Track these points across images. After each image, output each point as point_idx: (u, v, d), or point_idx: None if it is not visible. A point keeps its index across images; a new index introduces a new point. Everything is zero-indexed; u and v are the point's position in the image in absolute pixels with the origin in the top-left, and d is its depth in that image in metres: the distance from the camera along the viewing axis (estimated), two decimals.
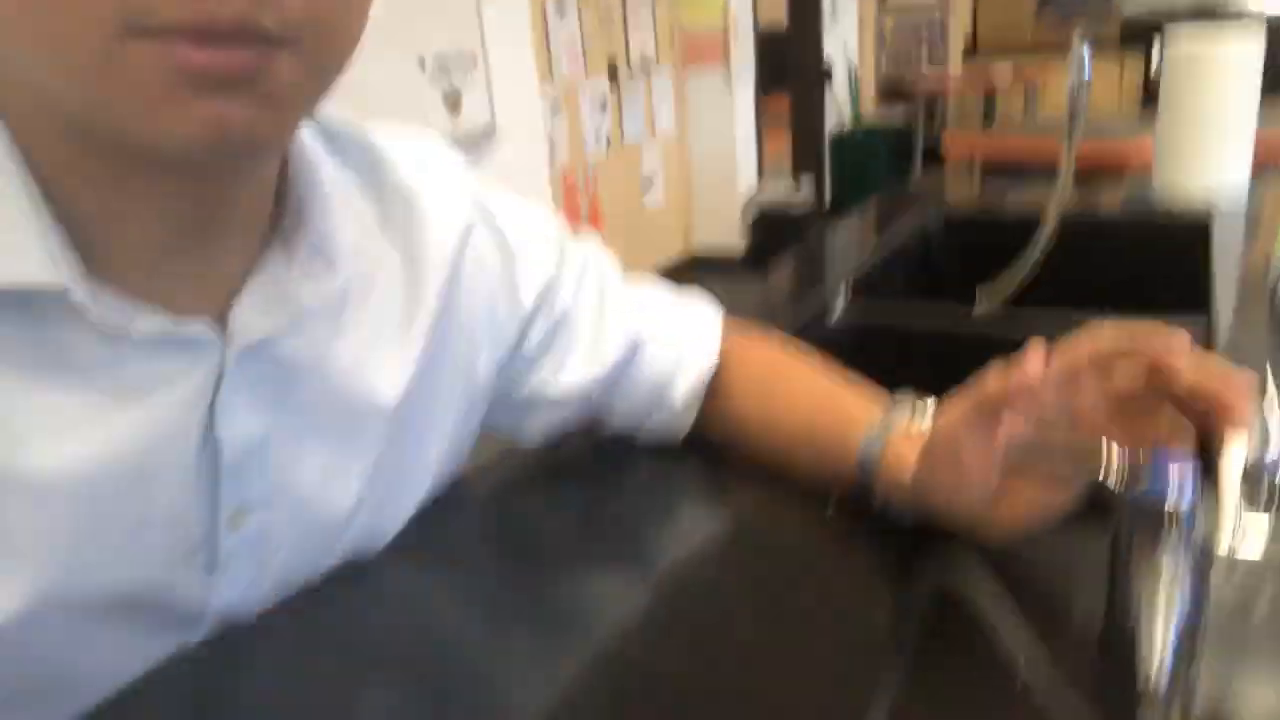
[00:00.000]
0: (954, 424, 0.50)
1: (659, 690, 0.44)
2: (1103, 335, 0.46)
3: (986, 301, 1.02)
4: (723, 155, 4.92)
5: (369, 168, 0.56)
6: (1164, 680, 0.35)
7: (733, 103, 4.82)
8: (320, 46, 0.40)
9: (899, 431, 0.56)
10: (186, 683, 0.47)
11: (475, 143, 2.71)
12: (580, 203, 4.16)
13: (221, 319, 0.47)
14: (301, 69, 0.39)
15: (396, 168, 0.57)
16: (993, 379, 0.48)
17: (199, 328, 0.45)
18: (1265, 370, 0.71)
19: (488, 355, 0.61)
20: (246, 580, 0.51)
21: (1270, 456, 0.40)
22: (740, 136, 4.91)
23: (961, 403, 0.50)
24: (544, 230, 0.65)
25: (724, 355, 0.69)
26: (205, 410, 0.47)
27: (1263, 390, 0.68)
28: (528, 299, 0.62)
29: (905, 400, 0.58)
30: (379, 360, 0.54)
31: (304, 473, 0.52)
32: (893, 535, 0.54)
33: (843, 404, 0.61)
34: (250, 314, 0.47)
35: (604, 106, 4.23)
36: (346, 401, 0.53)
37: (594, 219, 4.24)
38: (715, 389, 0.68)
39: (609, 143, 4.28)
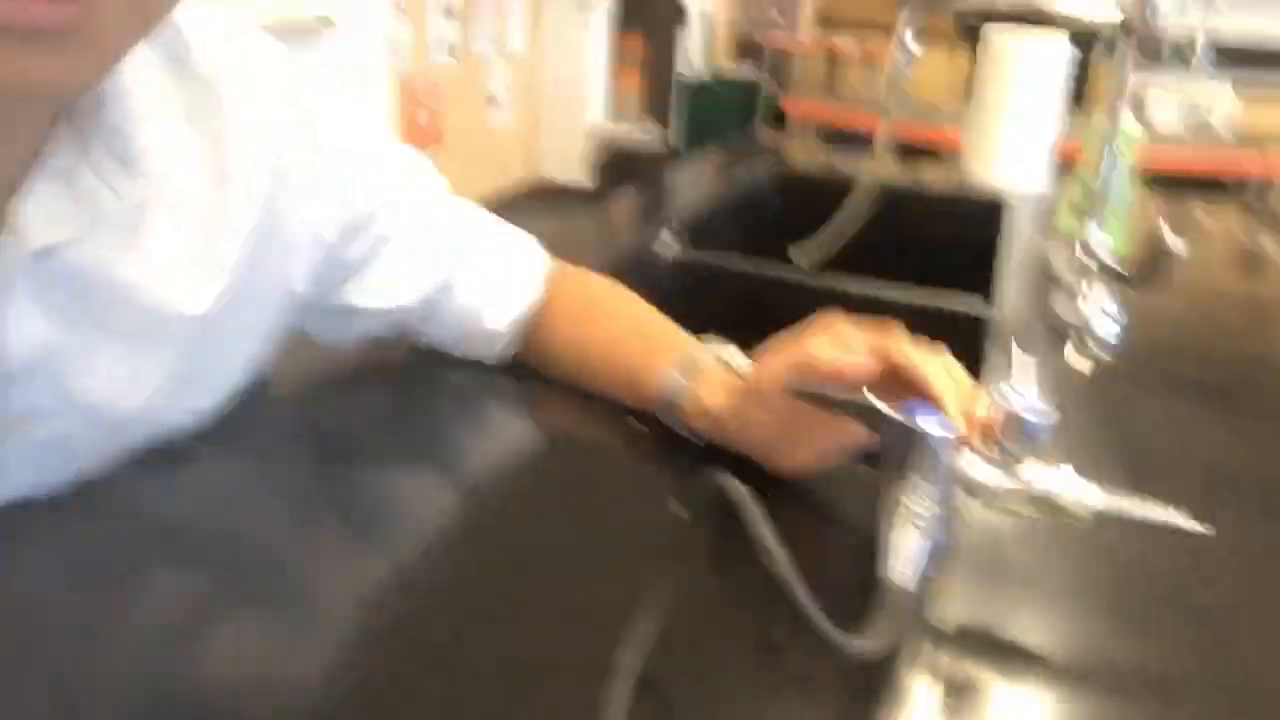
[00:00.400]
0: (774, 384, 0.53)
1: (460, 586, 0.46)
2: (899, 346, 0.50)
3: (803, 259, 1.09)
4: (573, 85, 4.86)
5: (173, 50, 0.50)
6: (909, 590, 0.40)
7: (586, 35, 4.75)
8: None
9: (701, 370, 0.59)
10: None
11: (307, 37, 2.54)
12: (420, 115, 4.01)
13: (5, 219, 0.43)
14: (124, 16, 0.36)
15: (205, 51, 0.52)
16: (819, 360, 0.51)
17: None
18: (1012, 345, 0.79)
19: (304, 263, 0.58)
20: (29, 486, 0.48)
21: (1025, 415, 0.46)
22: (592, 68, 4.86)
23: (779, 365, 0.53)
24: (372, 143, 0.62)
25: (544, 289, 0.70)
26: None
27: (1010, 364, 0.76)
28: (352, 213, 0.60)
29: (710, 343, 0.61)
30: (185, 268, 0.51)
31: (97, 381, 0.49)
32: (686, 447, 0.58)
33: (652, 343, 0.63)
34: (37, 213, 0.43)
35: (450, 13, 4.07)
36: (147, 311, 0.50)
37: (435, 133, 4.10)
38: (532, 321, 0.69)
39: (454, 54, 4.13)
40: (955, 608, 0.46)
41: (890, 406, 0.45)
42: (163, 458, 0.53)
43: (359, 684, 0.38)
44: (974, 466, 0.46)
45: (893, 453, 0.45)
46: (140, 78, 0.48)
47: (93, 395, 0.49)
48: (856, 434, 0.51)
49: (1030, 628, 0.45)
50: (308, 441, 0.60)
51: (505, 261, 0.69)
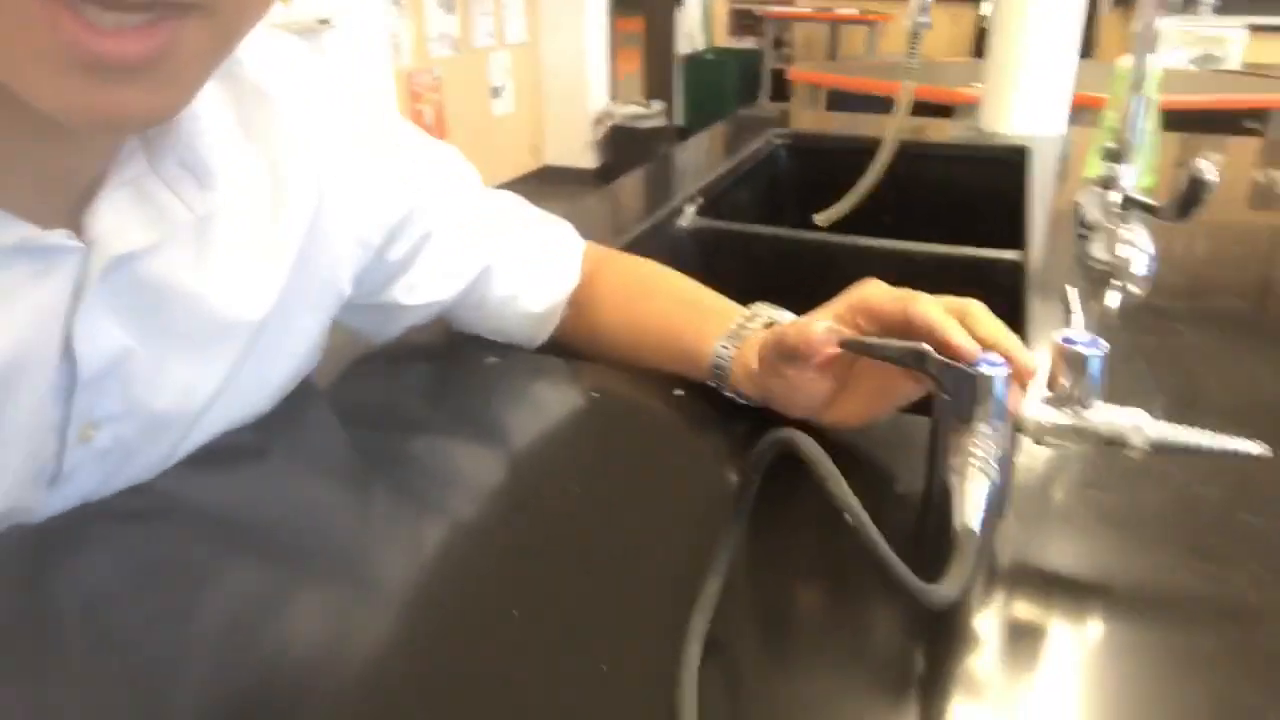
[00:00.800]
0: (767, 354, 0.53)
1: (514, 558, 0.45)
2: (925, 306, 0.48)
3: (826, 223, 1.07)
4: (574, 69, 4.83)
5: (224, 67, 0.52)
6: (974, 532, 0.39)
7: (585, 19, 4.72)
8: (232, 11, 0.38)
9: (746, 338, 0.58)
10: (26, 561, 0.45)
11: (306, 37, 2.54)
12: (424, 109, 4.00)
13: (79, 227, 0.44)
14: (208, 37, 0.37)
15: (254, 61, 0.52)
16: (785, 333, 0.50)
17: (59, 236, 0.42)
18: (1066, 290, 0.78)
19: (350, 267, 0.59)
20: (87, 491, 0.49)
21: (1078, 349, 0.45)
22: (592, 51, 4.84)
23: (769, 341, 0.53)
24: (407, 143, 0.63)
25: (587, 271, 0.70)
26: (64, 324, 0.44)
27: (1066, 308, 0.75)
28: (394, 215, 0.60)
29: (760, 311, 0.60)
30: (245, 277, 0.52)
31: (162, 387, 0.49)
32: (737, 411, 0.57)
33: (700, 315, 0.63)
34: (109, 221, 0.44)
35: (449, 6, 4.05)
36: (210, 319, 0.51)
37: (438, 127, 4.09)
38: (578, 302, 0.69)
39: (456, 46, 4.11)
40: (1013, 546, 0.45)
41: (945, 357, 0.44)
42: (216, 453, 0.53)
43: (425, 658, 0.38)
44: (1028, 404, 0.45)
45: (950, 400, 0.44)
46: (203, 91, 0.48)
47: (157, 401, 0.49)
48: (906, 387, 0.50)
49: (1086, 563, 0.44)
50: (357, 423, 0.60)
51: (542, 248, 0.69)
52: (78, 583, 0.44)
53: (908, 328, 0.47)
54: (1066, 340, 0.44)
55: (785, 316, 0.59)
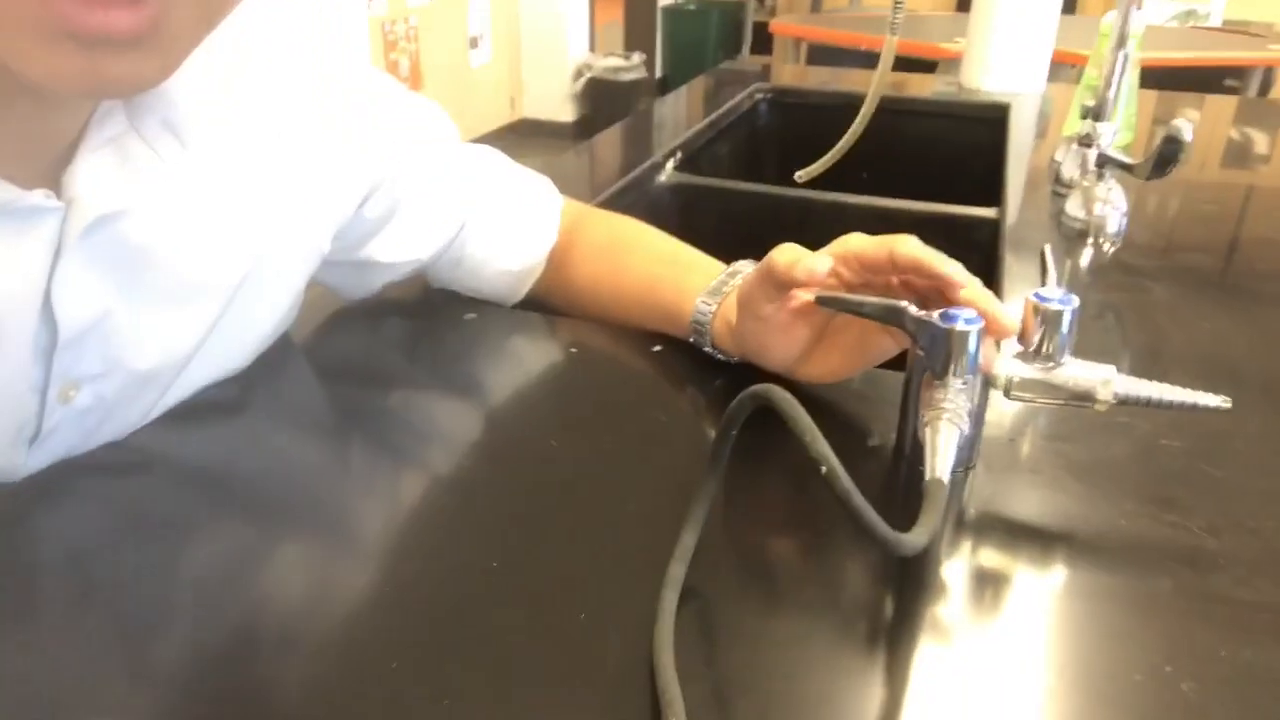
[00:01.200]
0: (749, 291, 0.53)
1: (493, 510, 0.46)
2: (910, 244, 0.48)
3: (806, 180, 1.07)
4: (554, 20, 4.76)
5: None
6: (944, 482, 0.40)
7: None
8: None
9: (730, 297, 0.58)
10: (7, 516, 0.45)
11: None
12: (399, 59, 3.93)
13: (58, 186, 0.43)
14: (192, 16, 0.37)
15: (230, 20, 0.52)
16: (781, 253, 0.50)
17: (37, 196, 0.42)
18: (1044, 250, 0.79)
19: (327, 224, 0.58)
20: (67, 449, 0.49)
21: (1050, 305, 0.46)
22: (572, 2, 4.76)
23: (753, 275, 0.53)
24: (385, 98, 0.62)
25: (565, 228, 0.70)
26: (43, 284, 0.43)
27: (1043, 267, 0.76)
28: (371, 172, 0.60)
29: (741, 268, 0.61)
30: (224, 235, 0.51)
31: (142, 346, 0.49)
32: (715, 367, 0.58)
33: (680, 271, 0.63)
34: (89, 181, 0.44)
35: None
36: (190, 277, 0.50)
37: (415, 78, 4.02)
38: (556, 259, 0.69)
39: None
40: (981, 496, 0.46)
41: (920, 312, 0.45)
42: (195, 409, 0.54)
43: (405, 609, 0.39)
44: (999, 359, 0.46)
45: (925, 354, 0.45)
46: None
47: (138, 360, 0.49)
48: (883, 343, 0.51)
49: (1051, 512, 0.46)
50: (335, 379, 0.60)
51: (520, 206, 0.69)
52: (60, 537, 0.44)
53: (893, 268, 0.48)
54: (1039, 297, 0.45)
55: None
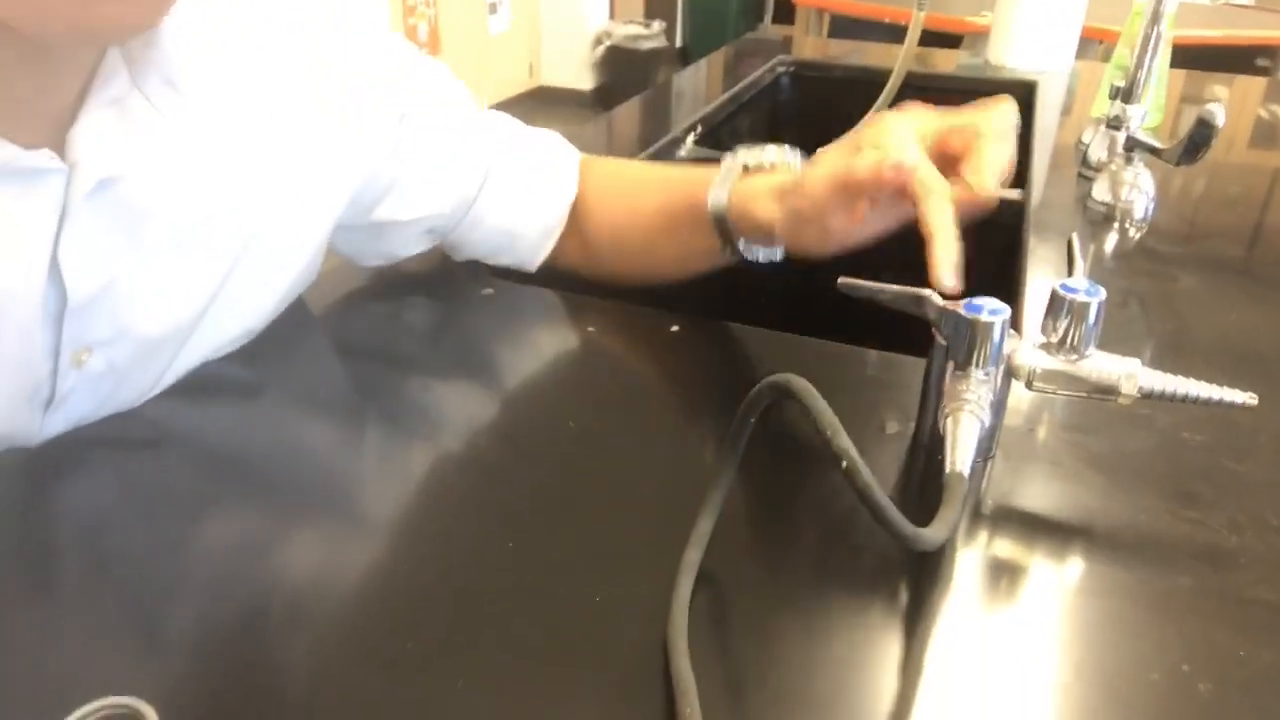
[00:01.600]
0: (820, 200, 0.51)
1: (509, 491, 0.46)
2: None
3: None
4: None
5: None
6: (964, 476, 0.40)
7: None
8: None
9: (738, 176, 0.59)
10: (21, 488, 0.45)
11: None
12: (419, 26, 3.90)
13: (62, 148, 0.43)
14: None
15: None
16: (861, 161, 0.49)
17: (41, 157, 0.41)
18: (1070, 240, 0.78)
19: (342, 182, 0.58)
20: (81, 414, 0.49)
21: (1074, 296, 0.45)
22: None
23: (823, 185, 0.51)
24: (397, 58, 0.61)
25: (578, 186, 0.69)
26: (50, 248, 0.43)
27: (1069, 256, 0.75)
28: (384, 128, 0.59)
29: (741, 151, 0.60)
30: (233, 192, 0.51)
31: (152, 308, 0.49)
32: (731, 347, 0.57)
33: (688, 177, 0.63)
34: (93, 141, 0.43)
35: None
36: (198, 236, 0.50)
37: (433, 43, 3.99)
38: (575, 212, 0.68)
39: None
40: (999, 487, 0.46)
41: (945, 301, 0.44)
42: (208, 382, 0.54)
43: (419, 589, 0.39)
44: (1021, 350, 0.46)
45: (947, 343, 0.44)
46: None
47: (149, 322, 0.49)
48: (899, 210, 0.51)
49: (1070, 505, 0.45)
50: (349, 355, 0.60)
51: (540, 163, 0.68)
52: (74, 509, 0.44)
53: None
54: (1065, 288, 0.44)
55: (767, 157, 0.60)
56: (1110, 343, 0.46)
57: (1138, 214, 0.85)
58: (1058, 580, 0.41)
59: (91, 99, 0.43)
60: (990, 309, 0.43)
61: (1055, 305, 0.44)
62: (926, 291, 0.44)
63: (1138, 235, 0.82)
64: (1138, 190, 0.86)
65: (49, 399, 0.47)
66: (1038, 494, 0.46)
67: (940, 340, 0.45)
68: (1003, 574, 0.41)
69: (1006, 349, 0.44)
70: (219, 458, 0.49)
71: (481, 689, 0.34)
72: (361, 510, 0.45)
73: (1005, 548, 0.42)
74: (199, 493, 0.46)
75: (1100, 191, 0.88)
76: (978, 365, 0.43)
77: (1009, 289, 0.71)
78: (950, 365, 0.44)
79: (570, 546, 0.42)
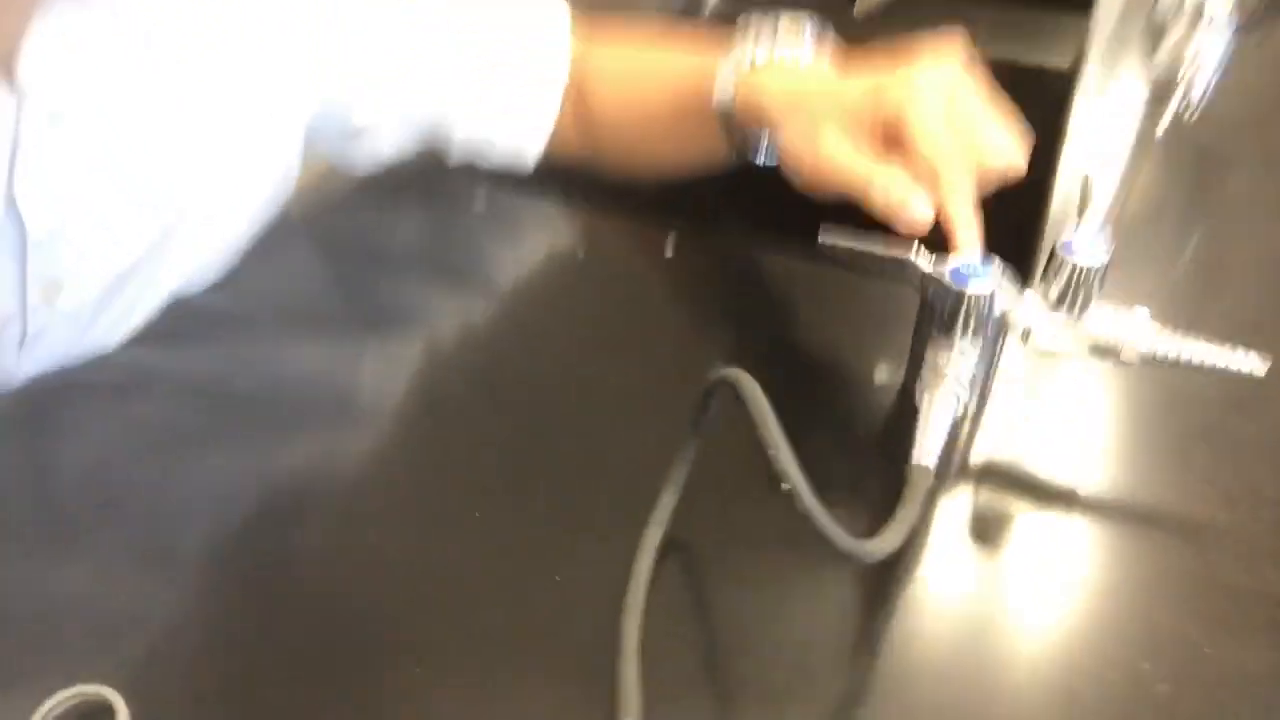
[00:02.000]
0: (841, 126, 0.46)
1: (494, 390, 0.46)
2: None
3: (860, 9, 0.97)
4: None
5: None
6: (929, 470, 0.38)
7: None
8: None
9: (746, 68, 0.52)
10: (17, 436, 0.46)
11: None
12: None
13: (12, 78, 0.41)
14: None
15: None
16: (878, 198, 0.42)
17: None
18: (1085, 178, 0.71)
19: (310, 90, 0.54)
20: (61, 353, 0.49)
21: (1082, 259, 0.41)
22: None
23: (836, 168, 0.45)
24: None
25: (575, 60, 0.63)
26: (5, 181, 0.42)
27: (1082, 198, 0.68)
28: (352, 32, 0.55)
29: (752, 30, 0.54)
30: (189, 108, 0.48)
31: (118, 235, 0.48)
32: (720, 272, 0.55)
33: (696, 66, 0.56)
34: (41, 70, 0.41)
35: None
36: (158, 157, 0.48)
37: None
38: (572, 94, 0.63)
39: None
40: (990, 446, 0.44)
41: (933, 266, 0.41)
42: (189, 315, 0.53)
43: (383, 564, 0.40)
44: (1021, 311, 0.43)
45: (931, 310, 0.41)
46: None
47: (116, 251, 0.48)
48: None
49: (1064, 464, 0.44)
50: (336, 266, 0.59)
51: (527, 45, 0.63)
52: (73, 453, 0.45)
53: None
54: (1068, 247, 0.41)
55: (779, 49, 0.53)
56: (1135, 262, 0.41)
57: (1195, 93, 0.77)
58: (1039, 540, 0.40)
59: (40, 27, 0.41)
60: (976, 275, 0.39)
61: (1055, 264, 0.41)
62: (910, 256, 0.41)
63: (1192, 117, 0.75)
64: (1202, 60, 0.77)
65: (21, 337, 0.47)
66: (1023, 456, 0.44)
67: (927, 298, 0.42)
68: (984, 538, 0.40)
69: (1004, 305, 0.41)
70: (201, 395, 0.49)
71: (436, 664, 0.35)
72: (329, 475, 0.45)
73: (988, 510, 0.41)
74: (187, 429, 0.46)
75: (1162, 60, 0.80)
76: (961, 336, 0.40)
77: (1037, 192, 0.65)
78: (934, 332, 0.41)
79: (537, 514, 0.42)
